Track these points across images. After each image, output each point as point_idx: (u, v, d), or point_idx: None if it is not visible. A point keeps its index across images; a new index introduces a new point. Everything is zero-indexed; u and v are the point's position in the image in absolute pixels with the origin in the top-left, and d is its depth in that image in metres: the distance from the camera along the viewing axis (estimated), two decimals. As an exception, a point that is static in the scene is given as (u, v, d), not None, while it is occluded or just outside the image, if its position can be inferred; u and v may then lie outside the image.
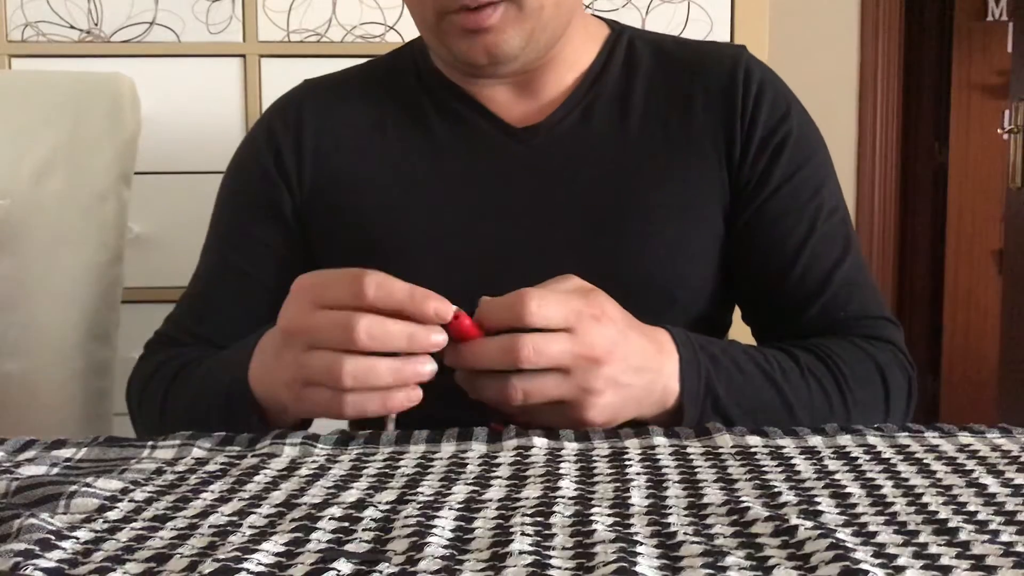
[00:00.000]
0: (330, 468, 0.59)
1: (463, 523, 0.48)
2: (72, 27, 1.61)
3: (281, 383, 0.71)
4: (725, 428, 0.66)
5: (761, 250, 0.90)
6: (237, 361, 0.78)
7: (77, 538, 0.47)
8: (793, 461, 0.59)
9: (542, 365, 0.67)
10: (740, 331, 0.96)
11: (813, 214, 0.90)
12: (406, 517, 0.49)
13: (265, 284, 0.93)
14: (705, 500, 0.51)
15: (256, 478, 0.57)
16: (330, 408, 0.67)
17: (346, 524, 0.48)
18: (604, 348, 0.69)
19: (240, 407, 0.76)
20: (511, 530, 0.47)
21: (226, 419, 0.76)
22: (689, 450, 0.61)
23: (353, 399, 0.66)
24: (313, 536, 0.47)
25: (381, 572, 0.42)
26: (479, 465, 0.59)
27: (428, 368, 0.66)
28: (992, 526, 0.47)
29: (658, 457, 0.60)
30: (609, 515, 0.49)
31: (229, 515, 0.50)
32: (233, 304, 0.94)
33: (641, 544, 0.45)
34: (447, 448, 0.63)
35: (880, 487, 0.53)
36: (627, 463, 0.59)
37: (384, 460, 0.61)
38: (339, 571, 0.42)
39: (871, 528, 0.47)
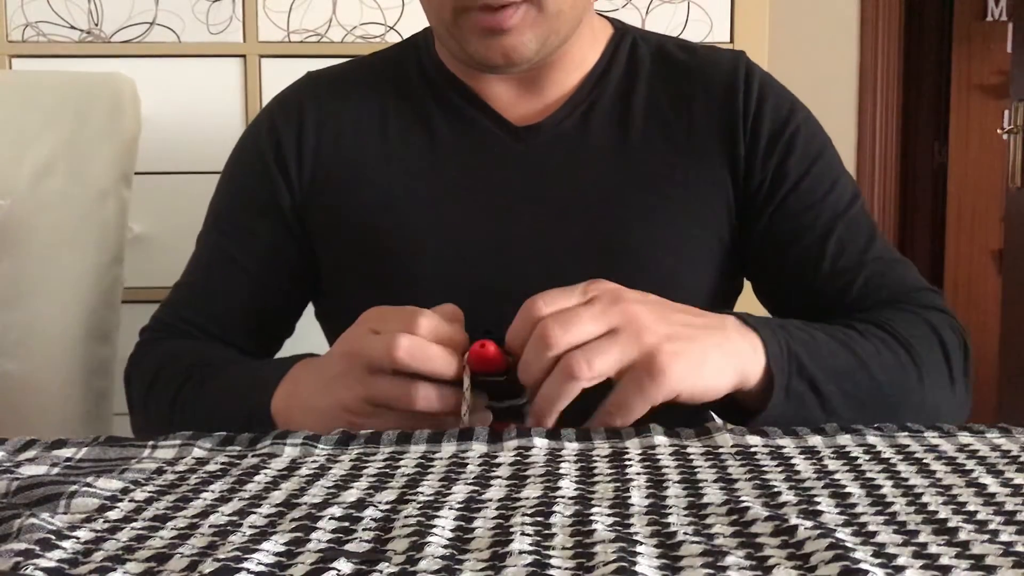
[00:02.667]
0: (330, 468, 0.59)
1: (463, 523, 0.48)
2: (72, 27, 1.61)
3: (337, 404, 0.71)
4: (724, 428, 0.65)
5: (787, 246, 0.90)
6: (261, 383, 0.78)
7: (77, 538, 0.47)
8: (793, 461, 0.59)
9: (581, 336, 0.65)
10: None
11: (834, 204, 0.90)
12: (406, 517, 0.49)
13: (256, 276, 0.94)
14: (705, 500, 0.51)
15: (256, 478, 0.57)
16: (404, 427, 0.71)
17: (346, 524, 0.48)
18: (633, 296, 0.68)
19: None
20: (511, 530, 0.47)
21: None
22: (689, 450, 0.61)
23: (426, 422, 0.69)
24: (313, 536, 0.47)
25: (381, 572, 0.42)
26: (479, 465, 0.59)
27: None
28: (992, 526, 0.47)
29: (658, 457, 0.60)
30: (609, 515, 0.49)
31: (229, 515, 0.50)
32: (226, 293, 0.94)
33: (641, 544, 0.45)
34: (447, 448, 0.63)
35: (880, 487, 0.53)
36: (627, 463, 0.59)
37: (384, 460, 0.61)
38: (339, 571, 0.42)
39: (871, 528, 0.47)
